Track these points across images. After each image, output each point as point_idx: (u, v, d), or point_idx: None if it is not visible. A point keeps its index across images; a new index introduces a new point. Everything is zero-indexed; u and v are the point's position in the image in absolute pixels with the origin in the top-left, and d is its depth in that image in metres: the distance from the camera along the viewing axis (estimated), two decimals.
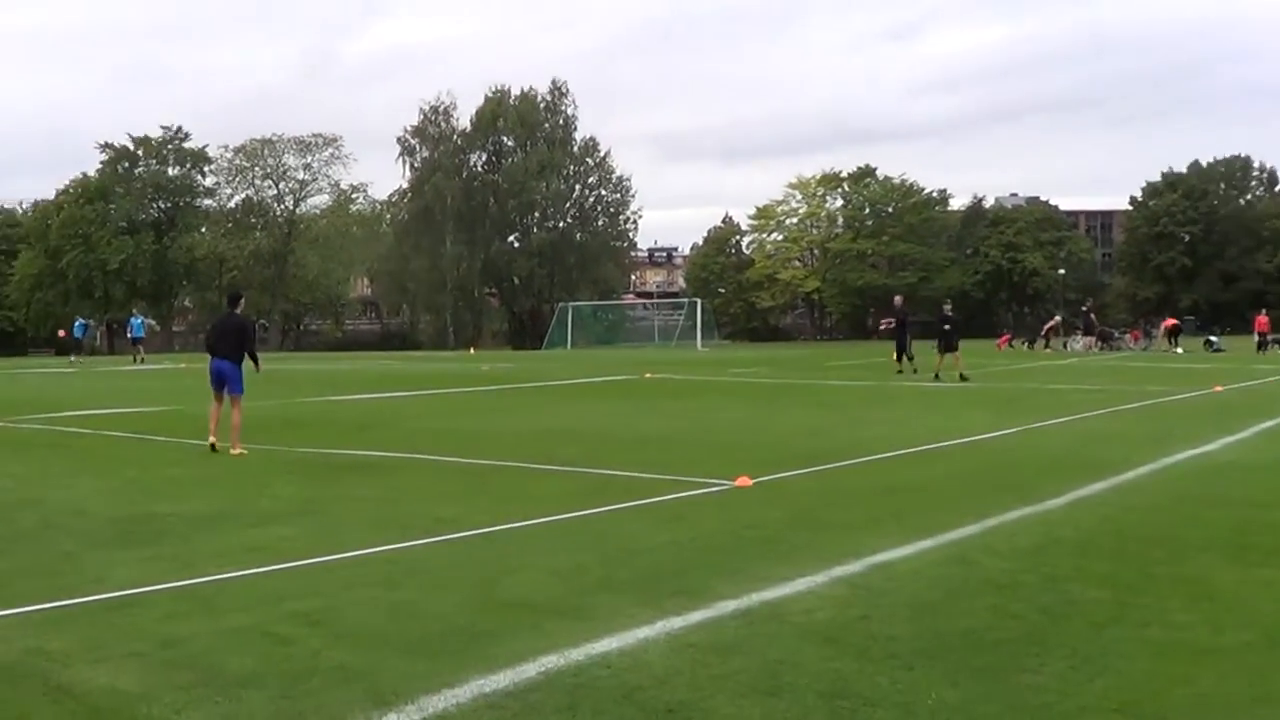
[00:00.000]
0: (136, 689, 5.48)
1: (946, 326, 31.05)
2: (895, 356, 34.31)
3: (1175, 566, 7.85)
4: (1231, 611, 6.70)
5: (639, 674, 5.59)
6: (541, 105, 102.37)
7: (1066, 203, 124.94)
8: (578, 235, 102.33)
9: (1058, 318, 62.42)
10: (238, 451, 14.62)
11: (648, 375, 34.00)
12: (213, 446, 14.88)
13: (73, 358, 48.51)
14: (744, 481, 11.69)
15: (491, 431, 17.85)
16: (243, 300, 17.15)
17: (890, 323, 35.72)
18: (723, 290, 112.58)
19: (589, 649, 5.98)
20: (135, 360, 48.31)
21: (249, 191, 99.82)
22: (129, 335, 52.92)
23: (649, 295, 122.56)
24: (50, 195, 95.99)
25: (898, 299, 37.85)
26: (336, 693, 5.41)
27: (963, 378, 29.53)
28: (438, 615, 6.74)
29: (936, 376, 29.60)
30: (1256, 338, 50.89)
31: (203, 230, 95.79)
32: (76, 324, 51.90)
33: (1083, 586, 7.27)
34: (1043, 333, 58.07)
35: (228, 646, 6.12)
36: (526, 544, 8.88)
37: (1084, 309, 62.59)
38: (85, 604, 7.12)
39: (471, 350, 71.87)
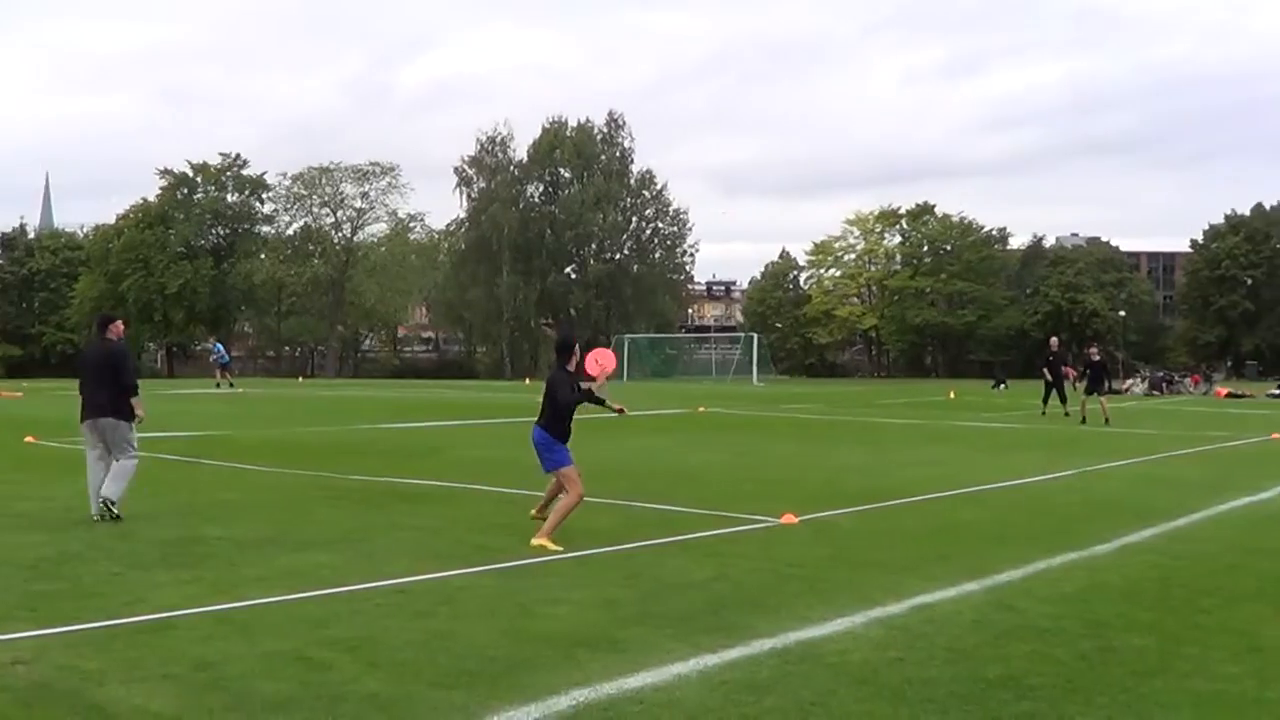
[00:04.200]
0: (169, 711, 5.51)
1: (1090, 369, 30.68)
2: (1044, 400, 33.35)
3: (1223, 616, 7.70)
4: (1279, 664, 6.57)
5: (671, 710, 5.56)
6: (598, 137, 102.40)
7: (1127, 244, 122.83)
8: (634, 268, 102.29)
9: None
10: None
11: (701, 409, 33.95)
12: None
13: None
14: (789, 519, 11.62)
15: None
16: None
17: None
18: (780, 326, 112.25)
19: (622, 683, 5.96)
20: (222, 384, 48.39)
21: (307, 219, 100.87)
22: (212, 360, 53.10)
23: (706, 329, 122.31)
24: (109, 219, 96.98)
25: (1054, 340, 36.59)
26: None
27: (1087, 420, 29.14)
28: (472, 645, 6.73)
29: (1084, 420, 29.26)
30: None
31: (261, 256, 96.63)
32: None
33: (1127, 634, 7.15)
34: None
35: (263, 671, 6.15)
36: (566, 576, 8.86)
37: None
38: (124, 625, 7.16)
39: (527, 381, 72.09)
